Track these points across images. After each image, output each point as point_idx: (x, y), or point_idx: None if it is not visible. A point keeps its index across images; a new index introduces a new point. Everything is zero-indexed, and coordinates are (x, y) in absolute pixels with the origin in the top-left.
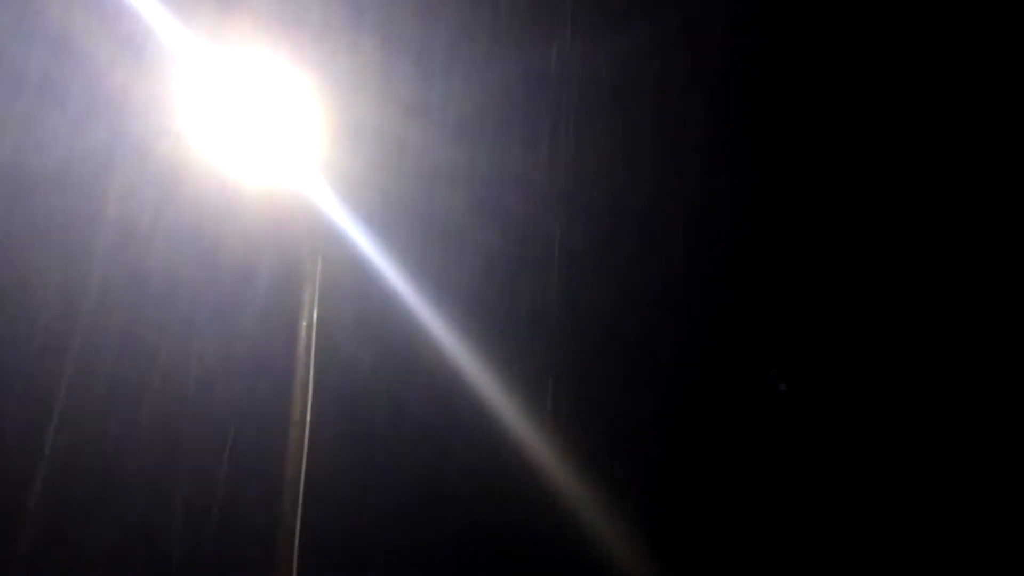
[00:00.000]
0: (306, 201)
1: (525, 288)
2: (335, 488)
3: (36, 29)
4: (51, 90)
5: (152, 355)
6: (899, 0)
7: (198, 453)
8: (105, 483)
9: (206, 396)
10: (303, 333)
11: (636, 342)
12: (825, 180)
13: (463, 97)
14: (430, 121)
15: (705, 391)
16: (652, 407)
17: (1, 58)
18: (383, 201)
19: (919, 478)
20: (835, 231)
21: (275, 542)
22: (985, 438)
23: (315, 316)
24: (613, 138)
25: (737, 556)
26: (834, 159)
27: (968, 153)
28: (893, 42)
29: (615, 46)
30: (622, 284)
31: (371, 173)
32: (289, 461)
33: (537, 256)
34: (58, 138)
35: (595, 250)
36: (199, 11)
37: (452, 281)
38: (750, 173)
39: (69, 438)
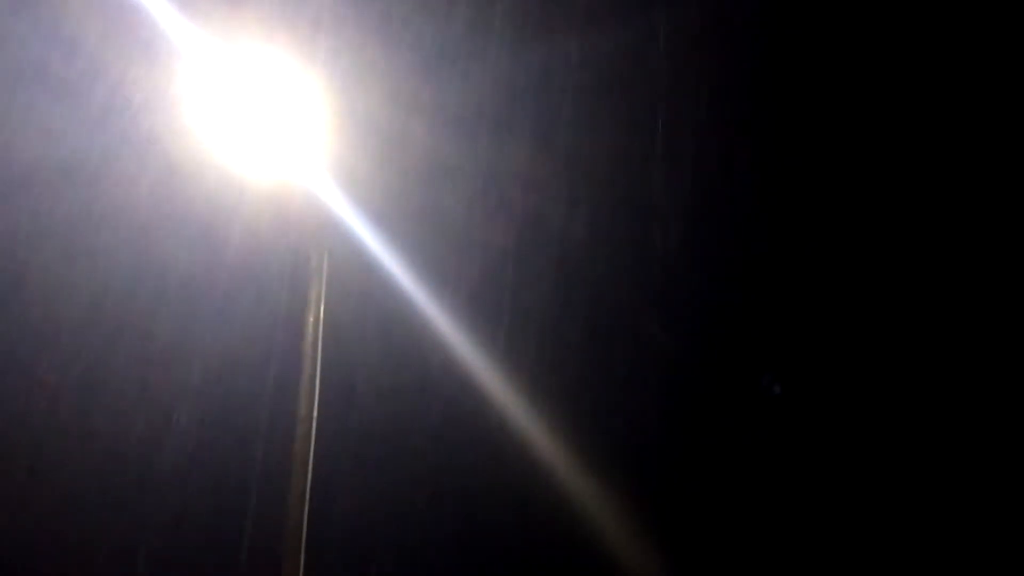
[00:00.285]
0: (312, 198)
1: (531, 285)
2: (341, 484)
3: (41, 25)
4: (56, 87)
5: (157, 352)
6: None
7: (204, 449)
8: (109, 479)
9: (212, 392)
10: (309, 329)
11: (638, 339)
12: (825, 182)
13: (470, 93)
14: (437, 117)
15: (703, 389)
16: (652, 404)
17: (6, 54)
18: (389, 198)
19: (916, 481)
20: (833, 233)
21: (282, 537)
22: (984, 441)
23: (322, 312)
24: (619, 134)
25: (735, 556)
26: (834, 160)
27: (965, 156)
28: (890, 42)
29: (622, 41)
30: (624, 281)
31: (377, 170)
32: (296, 457)
33: (542, 253)
34: (63, 135)
35: (599, 247)
36: (205, 7)
37: (457, 278)
38: (751, 173)
39: (75, 433)
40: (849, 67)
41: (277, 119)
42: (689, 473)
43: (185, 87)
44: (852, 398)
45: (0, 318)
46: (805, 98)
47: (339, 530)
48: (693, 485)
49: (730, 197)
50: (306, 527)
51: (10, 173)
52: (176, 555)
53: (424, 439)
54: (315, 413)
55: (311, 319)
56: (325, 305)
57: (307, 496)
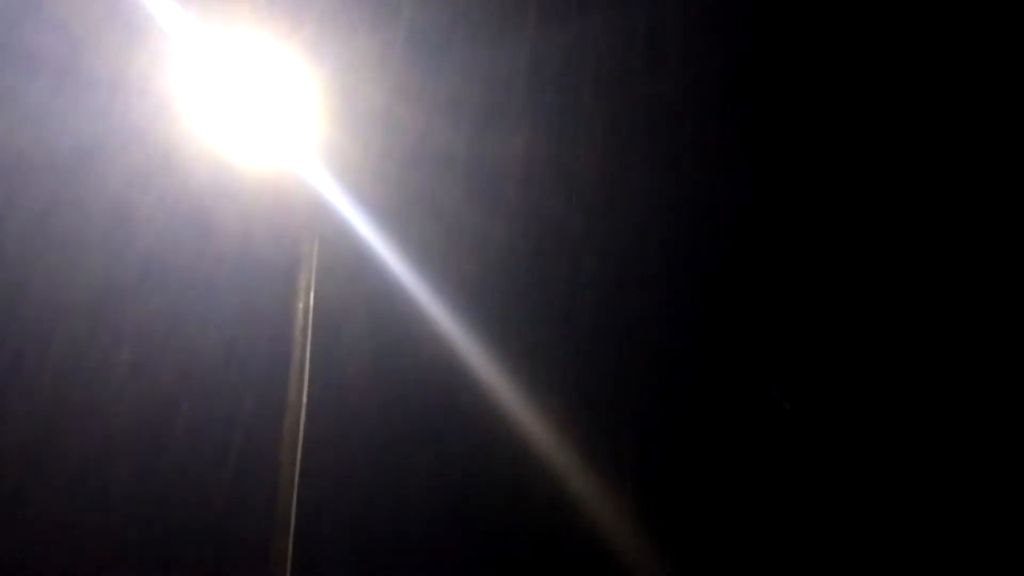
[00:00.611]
0: (304, 184)
1: (524, 274)
2: (331, 471)
3: (33, 9)
4: (46, 69)
5: (146, 338)
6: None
7: (193, 436)
8: (95, 465)
9: (202, 379)
10: (300, 316)
11: (635, 328)
12: (829, 188)
13: (464, 81)
14: (430, 105)
15: (707, 387)
16: (648, 396)
17: None
18: (382, 185)
19: (915, 486)
20: (837, 240)
21: (271, 523)
22: (985, 446)
23: (312, 299)
24: (616, 124)
25: (736, 556)
26: (840, 166)
27: (961, 162)
28: (884, 41)
29: (620, 29)
30: (622, 272)
31: (370, 156)
32: (285, 444)
33: (537, 242)
34: (52, 119)
35: (596, 238)
36: None
37: (450, 265)
38: (753, 175)
39: (60, 417)
40: (851, 67)
41: (270, 105)
42: (694, 468)
43: (178, 73)
44: (857, 405)
45: None
46: (815, 101)
47: (329, 516)
48: (698, 481)
49: (736, 194)
50: (295, 514)
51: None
52: (165, 541)
53: (416, 427)
54: (305, 399)
55: (301, 306)
56: (316, 292)
57: (296, 483)
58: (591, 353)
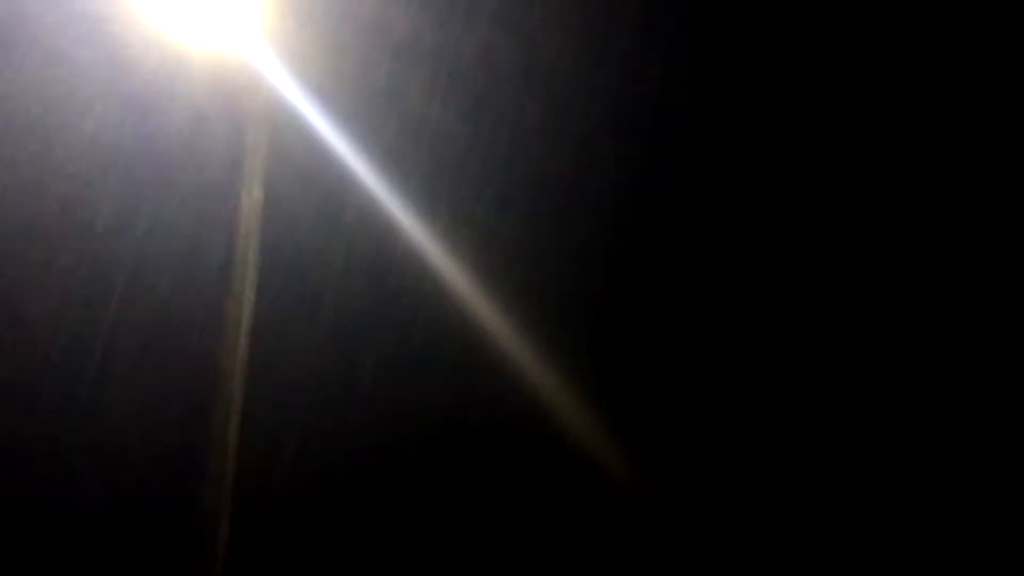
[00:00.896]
0: (254, 71)
1: (485, 169)
2: (278, 364)
3: None
4: None
5: (85, 229)
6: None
7: (130, 328)
8: (29, 355)
9: (147, 269)
10: (246, 207)
11: (599, 217)
12: (823, 182)
13: None
14: None
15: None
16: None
17: None
18: (336, 75)
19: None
20: (830, 233)
21: (210, 418)
22: (985, 447)
23: (258, 191)
24: (583, 19)
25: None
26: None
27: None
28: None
29: None
30: (583, 164)
31: (324, 46)
32: (227, 338)
33: (499, 137)
34: None
35: (560, 130)
36: None
37: (407, 159)
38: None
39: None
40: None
41: None
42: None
43: None
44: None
45: None
46: (817, 99)
47: (275, 410)
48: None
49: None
50: (239, 409)
51: None
52: (96, 455)
53: (368, 324)
54: (247, 291)
55: (249, 197)
56: (266, 183)
57: (240, 378)
58: (550, 246)
